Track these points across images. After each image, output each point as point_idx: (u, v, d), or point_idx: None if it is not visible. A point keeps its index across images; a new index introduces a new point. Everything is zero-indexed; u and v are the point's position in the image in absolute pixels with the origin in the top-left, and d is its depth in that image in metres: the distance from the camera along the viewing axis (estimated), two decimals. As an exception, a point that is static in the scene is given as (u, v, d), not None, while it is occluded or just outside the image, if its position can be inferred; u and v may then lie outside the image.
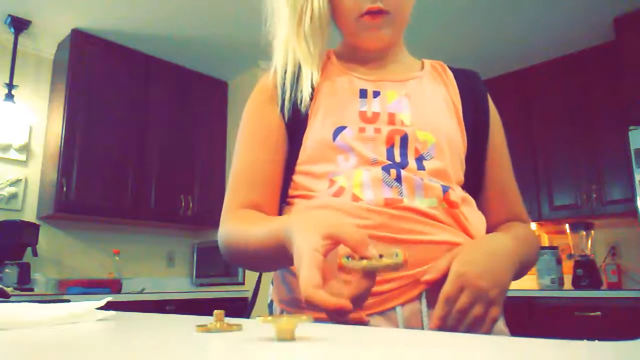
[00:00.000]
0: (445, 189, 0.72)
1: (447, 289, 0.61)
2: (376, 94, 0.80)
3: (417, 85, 0.83)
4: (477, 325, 0.61)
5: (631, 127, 2.78)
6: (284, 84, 0.82)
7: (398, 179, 0.72)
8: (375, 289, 0.62)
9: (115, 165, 3.25)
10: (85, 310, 0.47)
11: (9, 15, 2.99)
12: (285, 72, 0.82)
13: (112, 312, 0.50)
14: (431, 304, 0.66)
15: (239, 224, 0.74)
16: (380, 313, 0.65)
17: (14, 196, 3.11)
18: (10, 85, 3.05)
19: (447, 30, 3.18)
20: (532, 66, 3.56)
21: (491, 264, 0.64)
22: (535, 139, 3.42)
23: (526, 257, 0.75)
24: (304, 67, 0.81)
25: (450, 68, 0.89)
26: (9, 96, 3.05)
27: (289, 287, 0.73)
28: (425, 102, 0.81)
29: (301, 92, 0.80)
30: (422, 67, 0.88)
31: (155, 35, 3.31)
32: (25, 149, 3.21)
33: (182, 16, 3.08)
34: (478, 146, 0.83)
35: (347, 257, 0.55)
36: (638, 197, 2.69)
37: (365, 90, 0.80)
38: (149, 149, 3.43)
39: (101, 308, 0.49)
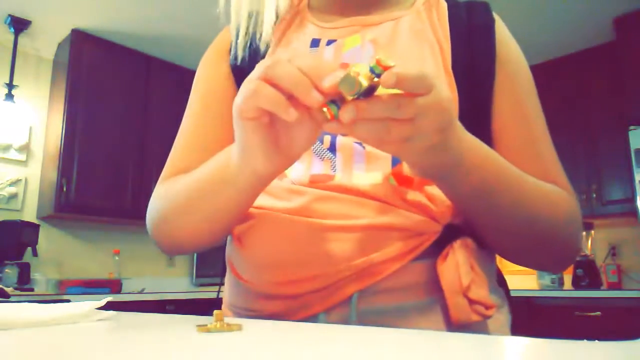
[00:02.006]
0: (396, 161, 0.53)
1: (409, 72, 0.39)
2: (331, 42, 0.61)
3: (392, 27, 0.62)
4: (379, 138, 0.41)
5: (631, 127, 2.78)
6: (238, 25, 0.66)
7: (332, 148, 0.55)
8: (293, 290, 0.51)
9: (115, 165, 3.25)
10: (85, 310, 0.47)
11: (9, 15, 2.98)
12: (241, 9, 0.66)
13: (112, 312, 0.50)
14: (363, 312, 0.50)
15: (168, 190, 0.62)
16: (299, 321, 0.51)
17: (14, 196, 3.11)
18: (10, 85, 3.05)
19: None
20: (532, 66, 3.54)
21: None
22: (535, 139, 3.42)
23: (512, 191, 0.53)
24: None
25: (450, 1, 0.66)
26: (9, 96, 3.05)
27: (238, 291, 0.60)
28: (397, 48, 0.59)
29: (261, 24, 0.64)
30: (412, 6, 0.66)
31: (155, 35, 3.31)
32: (25, 149, 3.21)
33: (182, 16, 3.08)
34: (476, 96, 0.59)
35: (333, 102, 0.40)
36: (638, 197, 2.70)
37: (319, 40, 0.62)
38: (149, 149, 3.43)
39: (101, 308, 0.49)
